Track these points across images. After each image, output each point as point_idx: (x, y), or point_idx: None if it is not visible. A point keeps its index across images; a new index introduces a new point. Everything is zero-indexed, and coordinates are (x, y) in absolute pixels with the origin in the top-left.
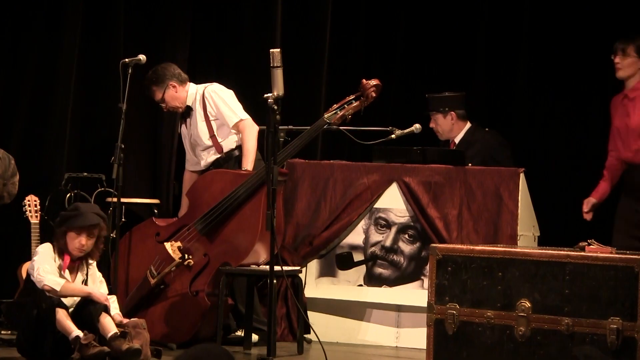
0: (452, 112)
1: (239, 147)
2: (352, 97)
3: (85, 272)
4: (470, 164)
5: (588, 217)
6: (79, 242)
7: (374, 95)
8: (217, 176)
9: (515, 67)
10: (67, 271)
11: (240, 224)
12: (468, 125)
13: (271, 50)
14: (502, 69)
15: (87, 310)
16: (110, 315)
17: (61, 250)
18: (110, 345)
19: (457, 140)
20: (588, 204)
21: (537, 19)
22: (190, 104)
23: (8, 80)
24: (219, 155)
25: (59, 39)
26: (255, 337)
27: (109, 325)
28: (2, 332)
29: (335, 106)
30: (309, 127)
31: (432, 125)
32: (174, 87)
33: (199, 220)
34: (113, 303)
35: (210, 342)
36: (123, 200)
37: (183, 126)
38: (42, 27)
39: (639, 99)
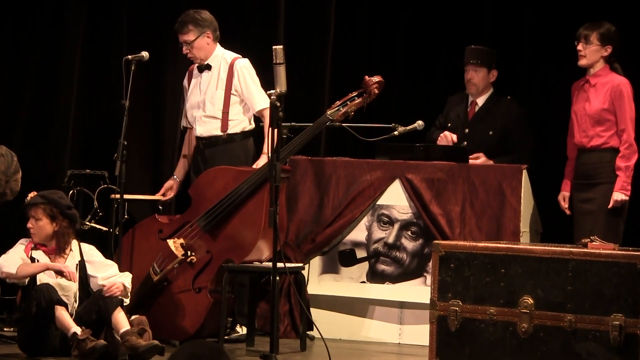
0: (495, 71)
1: (244, 133)
2: (354, 93)
3: (76, 256)
4: (491, 133)
5: (569, 211)
6: (30, 224)
7: (376, 91)
8: (219, 173)
9: (518, 65)
10: (49, 259)
11: (243, 220)
12: (492, 90)
13: (274, 46)
14: (506, 67)
15: (103, 304)
16: (124, 310)
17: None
18: (124, 341)
19: (479, 102)
20: (565, 199)
21: (539, 16)
22: (210, 63)
23: (11, 77)
24: (220, 134)
25: (62, 35)
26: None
27: (122, 321)
28: (5, 329)
29: (337, 103)
30: (311, 124)
31: (470, 76)
32: (209, 37)
33: (201, 217)
34: (128, 278)
35: (211, 339)
36: (130, 196)
37: (194, 80)
38: (45, 23)
39: (601, 86)
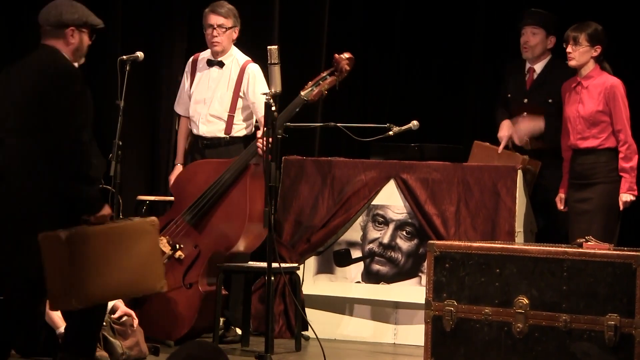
0: (553, 37)
1: (246, 137)
2: (326, 72)
3: None
4: (550, 100)
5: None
6: None
7: (347, 68)
8: (199, 167)
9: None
10: None
11: (228, 210)
12: (550, 56)
13: (269, 47)
14: (499, 68)
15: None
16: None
17: None
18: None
19: (537, 68)
20: (562, 201)
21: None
22: (224, 61)
23: None
24: (224, 135)
25: None
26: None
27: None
28: None
29: (310, 83)
30: (305, 124)
31: (526, 39)
32: (235, 34)
33: (186, 211)
34: None
35: (203, 339)
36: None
37: (201, 73)
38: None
39: (593, 88)
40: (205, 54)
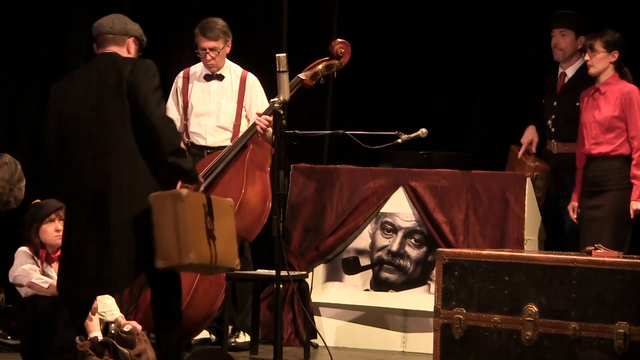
0: (583, 37)
1: None
2: (324, 59)
3: None
4: (577, 104)
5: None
6: (54, 228)
7: (342, 51)
8: (208, 159)
9: (519, 73)
10: (52, 269)
11: (224, 187)
12: (581, 59)
13: (277, 54)
14: (506, 75)
15: None
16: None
17: (37, 250)
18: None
19: (569, 72)
20: (574, 209)
21: (541, 23)
22: (223, 73)
23: (14, 85)
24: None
25: (65, 42)
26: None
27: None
28: (8, 337)
29: (308, 67)
30: (314, 132)
31: (556, 41)
32: (229, 47)
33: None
34: (113, 304)
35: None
36: None
37: (199, 86)
38: (48, 31)
39: (611, 94)
40: (197, 68)
